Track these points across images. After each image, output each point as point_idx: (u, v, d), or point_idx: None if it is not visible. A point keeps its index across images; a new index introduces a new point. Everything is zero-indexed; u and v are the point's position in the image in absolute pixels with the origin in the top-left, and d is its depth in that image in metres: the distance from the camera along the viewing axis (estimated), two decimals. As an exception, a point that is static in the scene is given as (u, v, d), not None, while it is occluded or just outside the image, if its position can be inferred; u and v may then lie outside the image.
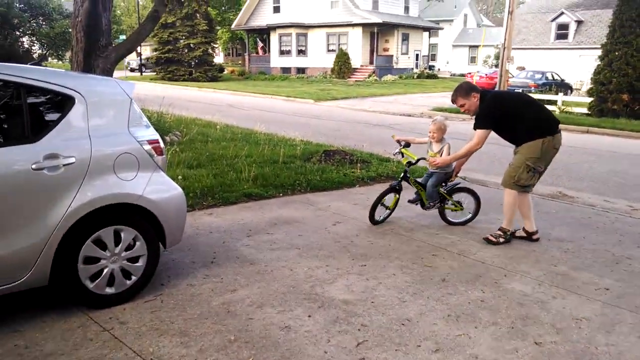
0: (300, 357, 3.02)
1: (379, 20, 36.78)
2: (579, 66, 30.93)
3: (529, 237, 5.12)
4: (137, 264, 3.62)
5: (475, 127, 4.82)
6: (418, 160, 5.27)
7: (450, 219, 5.58)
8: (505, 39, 19.60)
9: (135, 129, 3.65)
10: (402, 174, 5.41)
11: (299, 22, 39.96)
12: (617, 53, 15.88)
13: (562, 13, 33.80)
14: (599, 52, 17.14)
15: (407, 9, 42.34)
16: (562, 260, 4.65)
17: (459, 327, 3.41)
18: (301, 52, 41.50)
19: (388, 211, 5.56)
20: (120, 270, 3.55)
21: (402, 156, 5.38)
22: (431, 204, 5.43)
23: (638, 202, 6.94)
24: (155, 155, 3.70)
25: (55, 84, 3.34)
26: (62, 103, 3.38)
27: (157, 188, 3.68)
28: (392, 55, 40.31)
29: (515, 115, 4.85)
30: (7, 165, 3.05)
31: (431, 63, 49.22)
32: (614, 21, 16.41)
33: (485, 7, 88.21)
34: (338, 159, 8.22)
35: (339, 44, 39.82)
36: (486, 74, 29.68)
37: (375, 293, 3.86)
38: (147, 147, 3.65)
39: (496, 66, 41.22)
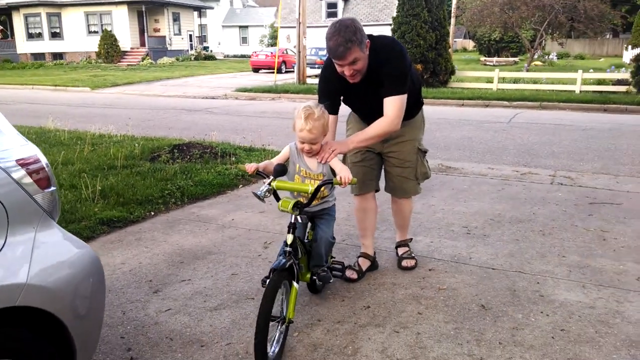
0: None
1: (146, -2, 33.47)
2: (349, 43, 32.70)
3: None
4: None
5: (394, 90, 2.85)
6: (317, 191, 2.51)
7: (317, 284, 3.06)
8: (299, 14, 19.28)
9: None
10: (290, 235, 2.53)
11: (48, 0, 34.02)
12: (408, 26, 16.63)
13: (330, -8, 35.33)
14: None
15: (174, -14, 39.52)
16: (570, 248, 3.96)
17: None
18: (56, 35, 35.64)
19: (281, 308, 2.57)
20: None
21: (277, 197, 2.56)
22: (322, 271, 2.86)
23: (519, 165, 6.84)
24: (38, 189, 1.72)
25: None
26: None
27: (53, 259, 1.73)
28: (164, 37, 37.35)
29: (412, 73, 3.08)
30: None
31: (204, 44, 47.27)
32: (402, -6, 17.11)
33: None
34: (197, 154, 6.40)
35: (101, 25, 35.23)
36: (272, 53, 29.24)
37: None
38: (19, 173, 1.65)
39: (271, 45, 41.50)
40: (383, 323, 2.82)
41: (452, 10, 29.72)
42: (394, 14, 17.87)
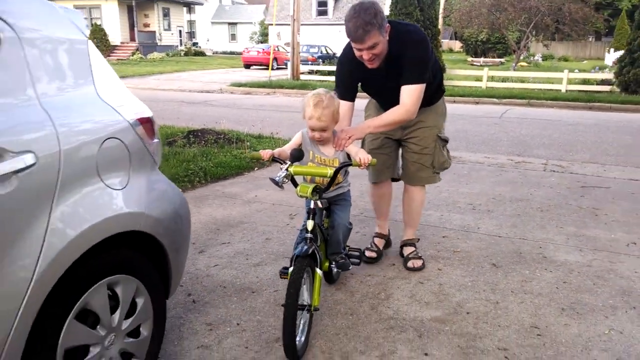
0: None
1: (136, -7, 33.49)
2: (339, 41, 33.13)
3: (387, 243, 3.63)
4: (140, 338, 2.01)
5: (413, 78, 2.80)
6: (336, 174, 2.46)
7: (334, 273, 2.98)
8: (293, 11, 19.61)
9: (108, 95, 1.96)
10: (310, 221, 2.44)
11: (37, -8, 33.85)
12: (400, 24, 17.06)
13: (321, -10, 35.69)
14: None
15: (163, -18, 39.51)
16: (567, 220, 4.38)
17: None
18: (45, 28, 35.40)
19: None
20: (120, 355, 1.90)
21: (294, 183, 2.52)
22: (341, 258, 2.79)
23: (513, 155, 7.28)
24: (148, 139, 2.06)
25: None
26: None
27: (161, 197, 2.08)
28: (154, 32, 37.32)
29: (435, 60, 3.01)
30: None
31: (194, 40, 47.29)
32: (393, -7, 17.57)
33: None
34: (212, 139, 6.73)
35: (91, 19, 35.14)
36: (263, 49, 29.53)
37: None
38: (137, 126, 2.00)
39: (262, 42, 41.70)
40: (408, 277, 3.21)
41: (440, 11, 30.31)
42: (387, 12, 18.30)
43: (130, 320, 1.92)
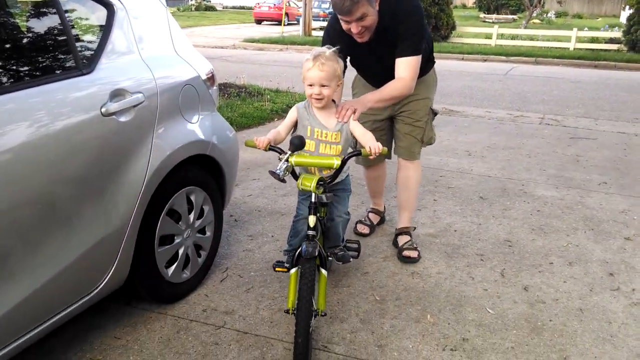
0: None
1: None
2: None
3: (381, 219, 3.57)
4: (206, 235, 2.71)
5: (409, 50, 2.61)
6: (343, 164, 2.16)
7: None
8: (306, -33, 19.71)
9: (182, 52, 2.59)
10: (313, 216, 2.17)
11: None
12: None
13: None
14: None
15: None
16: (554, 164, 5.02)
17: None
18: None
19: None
20: (194, 246, 2.61)
21: (294, 175, 2.22)
22: (340, 250, 2.56)
23: (512, 110, 7.84)
24: (211, 86, 2.71)
25: (88, -20, 2.12)
26: (100, 13, 2.18)
27: (220, 131, 2.74)
28: (165, -14, 37.19)
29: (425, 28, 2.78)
30: (64, 113, 1.86)
31: (204, -6, 46.95)
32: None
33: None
34: (234, 93, 7.35)
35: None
36: (274, 4, 29.54)
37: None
38: (204, 76, 2.64)
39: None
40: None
41: (454, -34, 29.91)
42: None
43: (199, 221, 2.62)
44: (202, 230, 2.67)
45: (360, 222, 3.41)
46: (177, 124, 2.39)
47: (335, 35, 2.63)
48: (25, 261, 1.70)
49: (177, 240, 2.47)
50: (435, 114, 3.12)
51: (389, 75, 2.68)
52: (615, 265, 3.05)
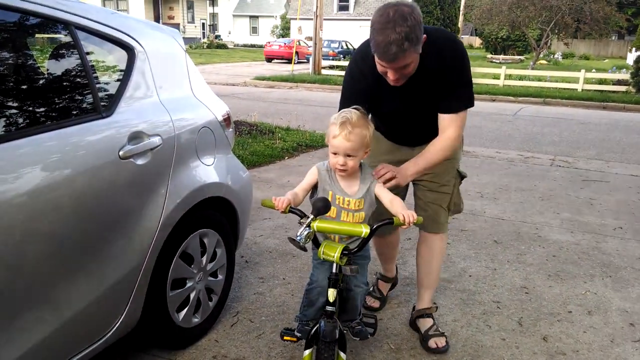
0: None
1: (164, -15, 34.37)
2: (360, 36, 33.64)
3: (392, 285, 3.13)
4: (217, 279, 2.67)
5: (460, 103, 2.22)
6: (372, 234, 1.93)
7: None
8: (317, 7, 20.21)
9: (200, 94, 2.61)
10: (333, 290, 2.01)
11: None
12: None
13: (342, -14, 36.14)
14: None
15: (189, -26, 40.36)
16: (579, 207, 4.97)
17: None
18: (73, 19, 36.47)
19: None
20: (206, 290, 2.57)
21: (316, 242, 2.06)
22: (357, 324, 2.28)
23: (523, 150, 7.83)
24: (226, 128, 2.72)
25: (111, 27, 2.15)
26: (120, 56, 2.21)
27: (234, 173, 2.74)
28: (178, 24, 38.20)
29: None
30: (83, 156, 1.86)
31: (216, 33, 48.13)
32: (414, -7, 18.08)
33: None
34: (245, 130, 7.41)
35: (118, 10, 36.09)
36: (285, 43, 30.16)
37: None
38: (220, 118, 2.66)
39: (282, 36, 42.31)
40: (422, 248, 3.84)
41: (461, 8, 30.59)
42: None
43: (212, 264, 2.58)
44: (214, 274, 2.63)
45: (368, 294, 2.92)
46: (193, 167, 2.38)
47: (360, 74, 2.24)
48: (34, 308, 1.67)
49: (189, 284, 2.42)
50: (462, 177, 2.62)
51: (418, 127, 2.38)
52: (635, 315, 2.96)
